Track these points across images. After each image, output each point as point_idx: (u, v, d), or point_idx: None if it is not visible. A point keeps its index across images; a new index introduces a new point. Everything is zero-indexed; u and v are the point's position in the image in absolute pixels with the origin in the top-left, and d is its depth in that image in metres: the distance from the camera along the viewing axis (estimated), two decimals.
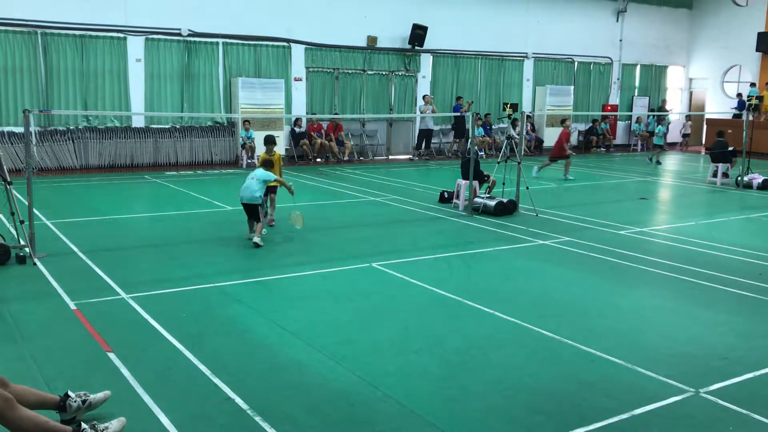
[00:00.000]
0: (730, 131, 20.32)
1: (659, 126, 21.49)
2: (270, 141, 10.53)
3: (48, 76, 16.50)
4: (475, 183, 12.23)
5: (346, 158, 19.88)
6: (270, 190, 10.57)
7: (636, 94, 26.96)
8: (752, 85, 25.25)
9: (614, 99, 26.33)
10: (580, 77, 25.34)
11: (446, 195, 13.05)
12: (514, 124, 19.04)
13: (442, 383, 5.07)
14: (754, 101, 17.34)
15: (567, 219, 11.60)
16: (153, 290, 7.19)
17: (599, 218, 11.64)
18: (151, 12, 17.39)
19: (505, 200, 11.89)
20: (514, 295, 7.31)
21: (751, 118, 16.11)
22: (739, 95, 25.55)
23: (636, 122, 26.62)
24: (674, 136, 28.01)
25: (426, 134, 21.36)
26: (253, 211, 9.40)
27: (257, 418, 4.43)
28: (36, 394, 4.29)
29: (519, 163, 12.18)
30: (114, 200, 12.81)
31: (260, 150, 18.27)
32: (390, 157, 21.49)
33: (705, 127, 26.52)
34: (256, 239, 9.10)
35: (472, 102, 21.91)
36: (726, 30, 26.54)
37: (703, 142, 26.49)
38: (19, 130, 15.53)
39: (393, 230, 10.71)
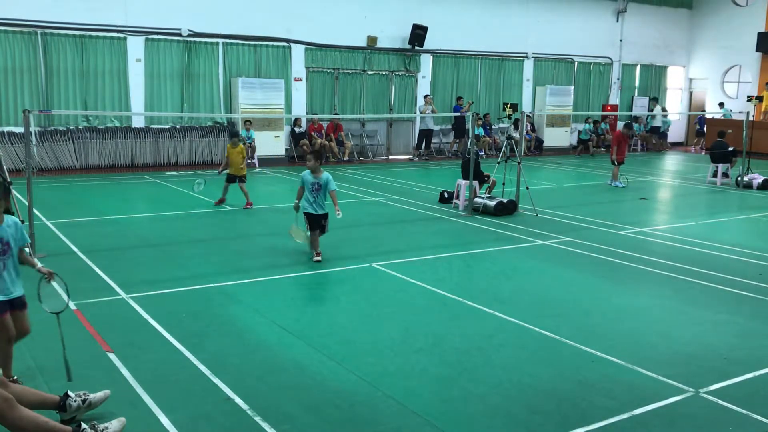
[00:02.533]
0: (729, 131, 20.31)
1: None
2: (235, 134, 12.65)
3: (48, 76, 16.50)
4: (475, 183, 12.23)
5: (345, 158, 19.87)
6: (240, 179, 12.34)
7: (636, 94, 26.96)
8: (721, 105, 25.37)
9: (614, 99, 26.33)
10: (580, 77, 25.34)
11: (446, 195, 13.05)
12: (516, 124, 19.05)
13: (442, 383, 5.08)
14: (754, 100, 17.34)
15: (567, 219, 11.60)
16: (153, 290, 7.19)
17: (599, 218, 11.64)
18: (151, 12, 17.39)
19: (505, 200, 11.89)
20: (514, 295, 7.31)
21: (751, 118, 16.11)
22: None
23: (636, 122, 26.59)
24: (677, 136, 28.03)
25: (426, 134, 21.36)
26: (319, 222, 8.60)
27: (257, 418, 4.43)
28: (36, 394, 4.30)
29: (519, 163, 12.18)
30: (114, 200, 12.81)
31: (260, 150, 18.38)
32: (390, 157, 21.49)
33: (705, 127, 26.48)
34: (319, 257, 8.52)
35: (473, 102, 21.92)
36: (726, 30, 26.54)
37: (704, 142, 26.45)
38: (19, 130, 15.53)
39: (393, 230, 10.71)
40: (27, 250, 4.95)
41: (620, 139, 16.20)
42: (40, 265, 4.83)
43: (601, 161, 21.50)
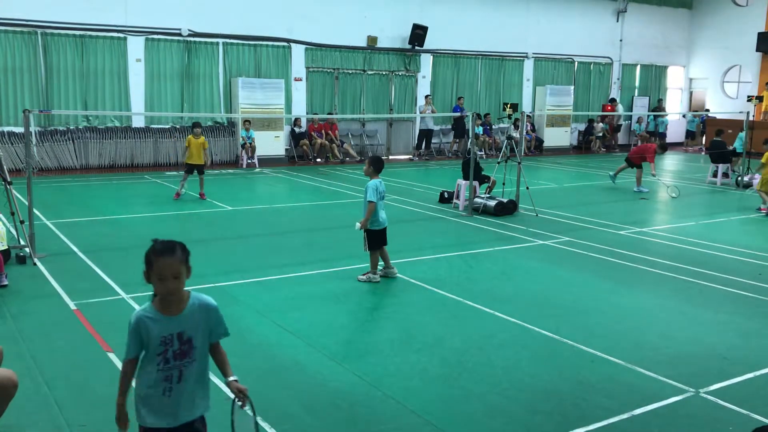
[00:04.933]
0: (730, 131, 20.31)
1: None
2: (196, 125, 12.99)
3: (48, 76, 16.50)
4: (475, 183, 12.23)
5: (340, 158, 19.64)
6: (198, 170, 12.85)
7: (636, 94, 26.97)
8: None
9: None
10: (580, 77, 25.34)
11: (446, 195, 13.05)
12: (516, 124, 19.05)
13: (442, 383, 5.07)
14: (754, 100, 17.35)
15: (567, 219, 11.60)
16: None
17: (599, 218, 11.64)
18: (151, 12, 17.39)
19: (505, 200, 11.89)
20: (514, 295, 7.31)
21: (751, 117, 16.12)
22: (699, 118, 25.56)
23: (636, 122, 26.63)
24: (677, 136, 28.02)
25: (426, 134, 21.36)
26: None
27: (257, 418, 4.42)
28: None
29: (519, 163, 12.18)
30: (114, 200, 12.81)
31: (260, 150, 18.38)
32: (390, 157, 21.48)
33: (705, 127, 26.51)
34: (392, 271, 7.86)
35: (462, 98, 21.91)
36: (726, 30, 26.54)
37: (704, 142, 26.50)
38: (19, 130, 15.53)
39: (393, 230, 10.63)
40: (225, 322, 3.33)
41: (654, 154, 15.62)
42: (233, 377, 3.35)
43: (600, 161, 21.51)
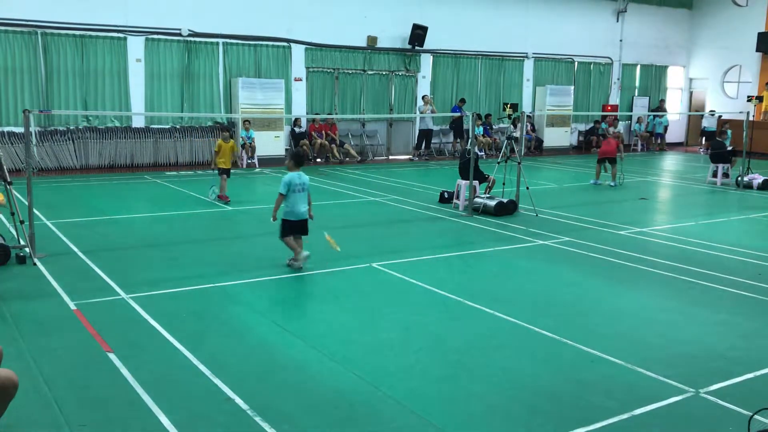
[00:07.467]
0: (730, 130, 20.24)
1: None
2: (225, 129, 13.15)
3: (48, 76, 16.50)
4: (475, 183, 12.23)
5: (339, 158, 19.61)
6: (227, 173, 12.93)
7: (636, 94, 26.96)
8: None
9: (614, 99, 26.33)
10: (580, 77, 25.34)
11: (446, 195, 13.05)
12: (515, 123, 19.04)
13: (442, 383, 5.07)
14: (754, 100, 17.34)
15: (567, 219, 11.60)
16: (153, 290, 7.19)
17: (599, 218, 11.64)
18: (151, 12, 17.39)
19: (505, 200, 11.89)
20: (514, 295, 7.31)
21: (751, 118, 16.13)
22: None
23: (636, 122, 26.63)
24: (676, 136, 28.02)
25: (426, 134, 21.36)
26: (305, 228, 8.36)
27: (257, 418, 4.43)
28: None
29: (519, 163, 12.18)
30: (114, 200, 12.81)
31: (260, 150, 18.38)
32: (390, 157, 21.49)
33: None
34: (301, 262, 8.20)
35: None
36: (726, 30, 26.54)
37: (703, 142, 26.47)
38: (19, 130, 15.53)
39: (393, 230, 10.70)
40: None
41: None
42: None
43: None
